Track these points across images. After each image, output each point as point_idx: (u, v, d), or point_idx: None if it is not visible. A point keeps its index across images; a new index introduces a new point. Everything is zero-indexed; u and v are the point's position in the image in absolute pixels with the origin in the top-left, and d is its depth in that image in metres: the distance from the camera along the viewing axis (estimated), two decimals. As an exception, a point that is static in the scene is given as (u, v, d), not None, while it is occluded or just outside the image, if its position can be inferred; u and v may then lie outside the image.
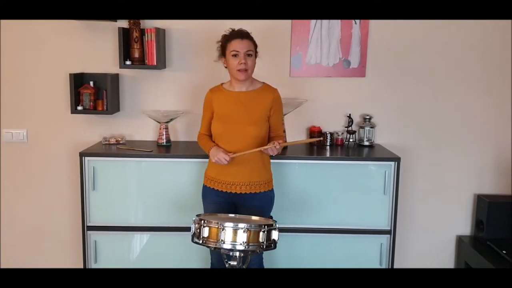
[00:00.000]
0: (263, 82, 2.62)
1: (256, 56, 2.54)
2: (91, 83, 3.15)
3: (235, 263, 2.17)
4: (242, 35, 2.49)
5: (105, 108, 3.13)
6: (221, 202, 2.59)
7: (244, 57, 2.45)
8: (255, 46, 2.53)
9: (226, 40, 2.51)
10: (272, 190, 2.65)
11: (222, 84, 2.63)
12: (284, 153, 2.99)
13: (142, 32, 3.05)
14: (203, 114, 2.67)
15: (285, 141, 2.70)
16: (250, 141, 2.50)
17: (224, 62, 2.55)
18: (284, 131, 2.90)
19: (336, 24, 3.17)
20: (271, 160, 2.66)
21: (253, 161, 2.54)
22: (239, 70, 2.46)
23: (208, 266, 2.75)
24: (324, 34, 3.18)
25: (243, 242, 2.11)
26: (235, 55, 2.46)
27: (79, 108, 3.10)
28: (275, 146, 2.42)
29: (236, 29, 2.53)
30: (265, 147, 2.46)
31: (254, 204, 2.57)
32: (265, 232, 2.15)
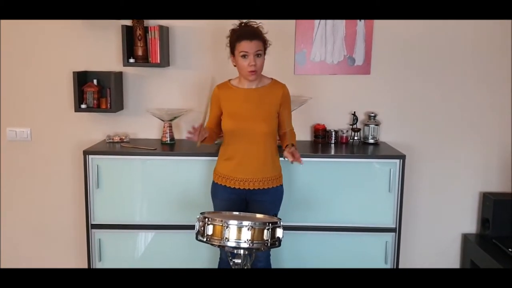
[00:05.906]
0: (271, 78, 2.60)
1: (265, 53, 2.49)
2: (95, 81, 3.15)
3: (239, 261, 2.17)
4: (252, 35, 2.42)
5: (108, 106, 3.13)
6: (232, 199, 2.57)
7: (253, 58, 2.41)
8: (265, 43, 2.48)
9: (235, 39, 2.44)
10: (282, 185, 2.65)
11: (229, 80, 2.60)
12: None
13: (146, 30, 3.05)
14: (210, 107, 2.62)
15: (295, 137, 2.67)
16: (261, 137, 2.49)
17: (233, 61, 2.50)
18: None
19: (340, 21, 3.15)
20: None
21: (264, 157, 2.53)
22: (249, 71, 2.44)
23: (214, 264, 2.75)
24: (329, 31, 3.17)
25: (247, 240, 2.11)
26: (244, 56, 2.42)
27: (83, 106, 3.10)
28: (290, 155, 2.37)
29: (244, 24, 2.47)
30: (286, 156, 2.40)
31: (266, 199, 2.57)
32: (270, 230, 2.15)
